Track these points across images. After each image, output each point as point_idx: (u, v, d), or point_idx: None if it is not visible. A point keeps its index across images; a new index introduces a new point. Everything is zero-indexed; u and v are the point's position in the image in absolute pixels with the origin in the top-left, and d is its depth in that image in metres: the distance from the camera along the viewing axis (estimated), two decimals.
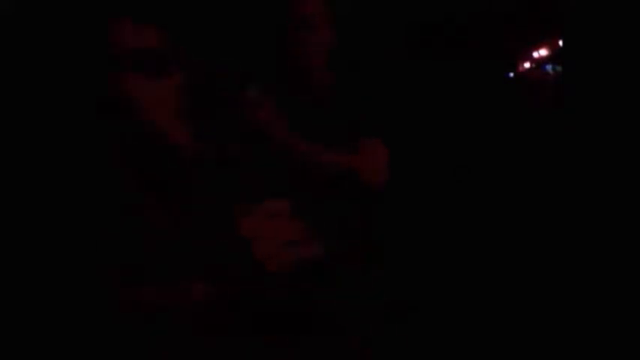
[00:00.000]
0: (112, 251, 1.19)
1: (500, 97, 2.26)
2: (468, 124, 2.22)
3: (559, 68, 2.24)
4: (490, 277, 2.00)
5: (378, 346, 1.44)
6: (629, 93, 1.45)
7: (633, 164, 1.45)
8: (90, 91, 1.29)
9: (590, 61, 1.49)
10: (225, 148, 1.43)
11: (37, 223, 1.18)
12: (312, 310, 1.37)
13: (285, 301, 1.34)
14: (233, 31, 1.89)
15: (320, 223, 1.37)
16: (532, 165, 2.16)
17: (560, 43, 2.22)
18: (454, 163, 2.18)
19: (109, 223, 1.21)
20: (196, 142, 1.35)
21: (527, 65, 2.30)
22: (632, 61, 1.44)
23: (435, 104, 2.20)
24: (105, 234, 1.20)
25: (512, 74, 2.32)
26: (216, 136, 1.43)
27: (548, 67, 2.29)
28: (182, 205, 1.31)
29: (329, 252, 1.38)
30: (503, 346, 1.84)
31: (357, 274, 1.51)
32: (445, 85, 2.22)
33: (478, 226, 2.09)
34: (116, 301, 1.17)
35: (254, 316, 1.30)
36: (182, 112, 1.33)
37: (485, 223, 2.10)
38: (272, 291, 1.31)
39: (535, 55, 2.29)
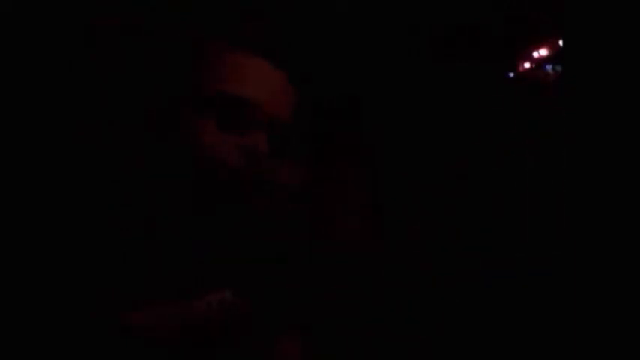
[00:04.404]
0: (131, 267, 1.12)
1: (500, 97, 2.26)
2: (468, 124, 2.22)
3: (559, 68, 2.24)
4: (490, 278, 2.00)
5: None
6: (629, 93, 1.45)
7: (634, 164, 1.45)
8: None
9: (590, 61, 1.49)
10: None
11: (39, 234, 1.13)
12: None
13: None
14: None
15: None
16: (532, 165, 2.16)
17: (560, 43, 2.22)
18: (453, 163, 2.18)
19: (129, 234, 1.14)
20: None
21: (527, 65, 2.31)
22: (633, 62, 1.44)
23: (435, 105, 2.20)
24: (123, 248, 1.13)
25: (512, 74, 2.32)
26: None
27: (548, 67, 2.29)
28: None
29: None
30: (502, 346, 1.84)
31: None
32: (445, 86, 2.22)
33: (478, 225, 2.10)
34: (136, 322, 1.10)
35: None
36: None
37: (485, 222, 2.10)
38: None
39: (535, 55, 2.29)
